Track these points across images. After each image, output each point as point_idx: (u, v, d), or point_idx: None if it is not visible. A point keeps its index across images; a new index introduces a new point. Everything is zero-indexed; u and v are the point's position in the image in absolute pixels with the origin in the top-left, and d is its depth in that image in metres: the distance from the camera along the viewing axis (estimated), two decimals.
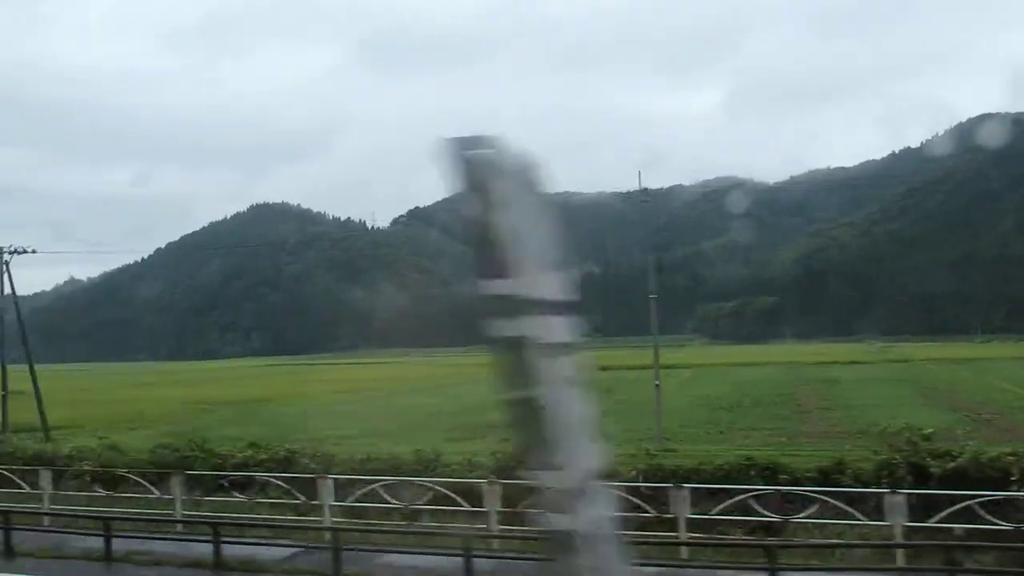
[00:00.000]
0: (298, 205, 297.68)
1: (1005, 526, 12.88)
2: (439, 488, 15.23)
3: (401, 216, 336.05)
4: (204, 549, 13.94)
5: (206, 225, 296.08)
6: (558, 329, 1.99)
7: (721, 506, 14.04)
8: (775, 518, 13.79)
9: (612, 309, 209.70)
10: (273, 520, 15.34)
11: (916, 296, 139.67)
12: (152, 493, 16.98)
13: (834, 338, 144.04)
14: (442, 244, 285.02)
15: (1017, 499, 13.65)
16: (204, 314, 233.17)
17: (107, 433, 31.46)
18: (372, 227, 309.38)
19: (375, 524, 14.62)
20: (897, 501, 13.49)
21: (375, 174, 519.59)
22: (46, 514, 16.76)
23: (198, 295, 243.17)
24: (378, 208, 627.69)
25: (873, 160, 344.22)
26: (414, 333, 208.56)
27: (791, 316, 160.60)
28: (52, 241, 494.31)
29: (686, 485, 14.24)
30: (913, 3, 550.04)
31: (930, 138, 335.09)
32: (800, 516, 13.88)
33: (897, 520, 13.31)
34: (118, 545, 14.05)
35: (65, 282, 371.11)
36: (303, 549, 13.70)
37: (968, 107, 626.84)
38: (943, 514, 13.33)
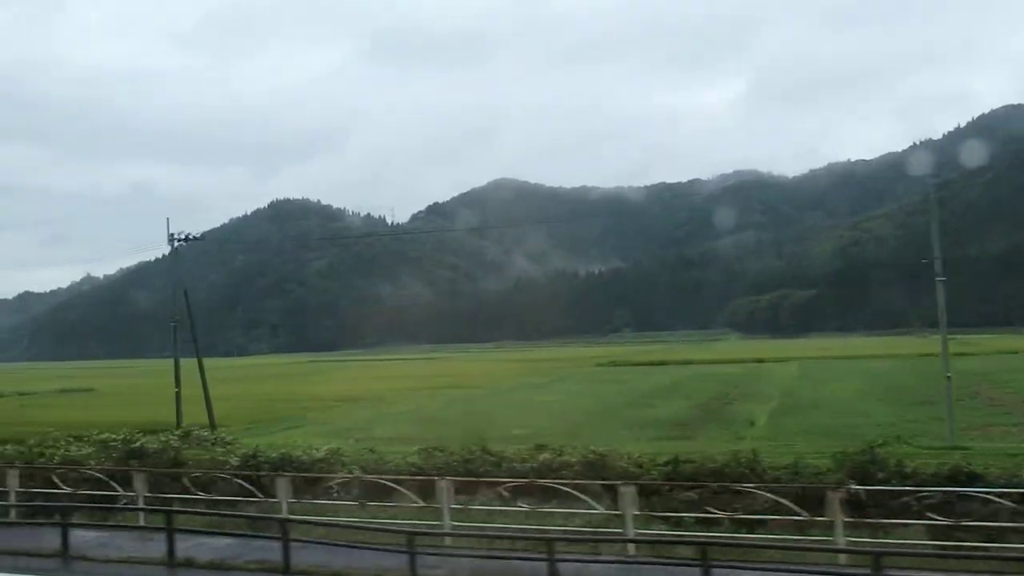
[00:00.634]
0: (318, 201, 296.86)
1: None
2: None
3: (420, 212, 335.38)
4: None
5: (226, 222, 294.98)
6: None
7: None
8: None
9: (639, 304, 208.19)
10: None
11: (963, 288, 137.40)
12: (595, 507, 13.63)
13: (880, 331, 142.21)
14: (461, 239, 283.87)
15: None
16: (229, 311, 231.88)
17: (271, 432, 29.87)
18: (392, 223, 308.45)
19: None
20: None
21: (390, 170, 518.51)
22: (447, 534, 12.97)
23: (222, 292, 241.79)
24: (393, 204, 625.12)
25: (893, 152, 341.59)
26: (443, 329, 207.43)
27: (831, 309, 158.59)
28: (66, 239, 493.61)
29: None
30: None
31: (952, 130, 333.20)
32: None
33: None
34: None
35: (82, 279, 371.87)
36: None
37: (987, 98, 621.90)
38: None
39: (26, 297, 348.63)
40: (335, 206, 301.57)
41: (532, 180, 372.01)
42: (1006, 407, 31.74)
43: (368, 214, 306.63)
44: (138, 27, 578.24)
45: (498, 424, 29.23)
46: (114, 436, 18.74)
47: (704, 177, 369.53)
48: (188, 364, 34.55)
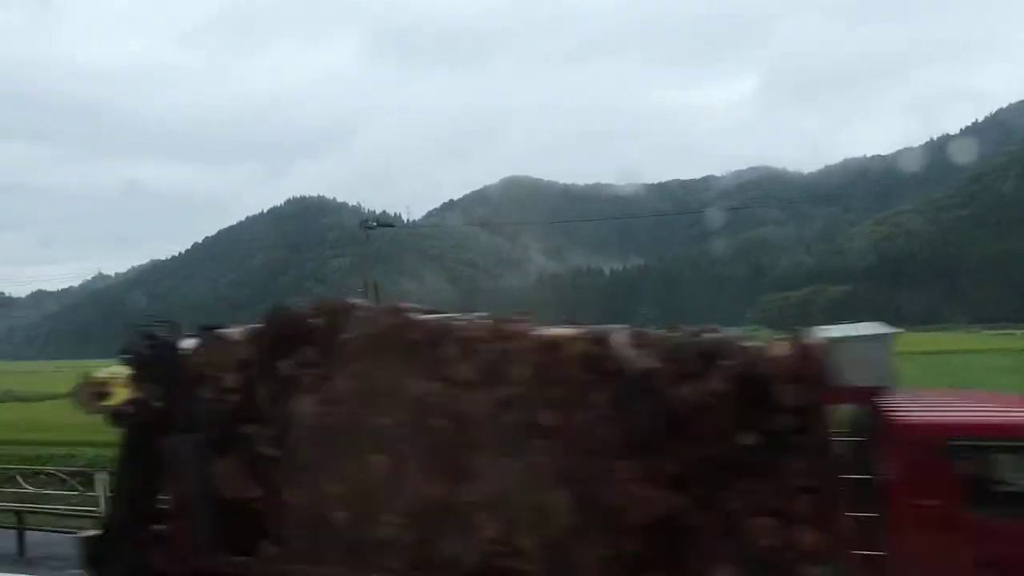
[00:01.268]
0: (334, 199, 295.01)
1: None
2: None
3: (435, 209, 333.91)
4: None
5: (243, 220, 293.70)
6: None
7: None
8: None
9: (665, 300, 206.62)
10: None
11: (1004, 283, 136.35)
12: None
13: (921, 327, 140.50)
14: (477, 236, 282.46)
15: None
16: (249, 309, 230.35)
17: None
18: (408, 219, 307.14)
19: None
20: None
21: (399, 168, 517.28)
22: None
23: (243, 290, 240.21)
24: (403, 201, 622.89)
25: (910, 148, 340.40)
26: None
27: (867, 305, 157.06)
28: (74, 238, 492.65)
29: None
30: None
31: (969, 124, 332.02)
32: None
33: None
34: None
35: (93, 277, 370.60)
36: None
37: (1003, 93, 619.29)
38: None
39: (39, 295, 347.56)
40: (351, 203, 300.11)
41: (544, 178, 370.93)
42: None
43: (384, 211, 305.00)
44: (141, 26, 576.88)
45: None
46: None
47: (718, 173, 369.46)
48: None
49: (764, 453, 6.97)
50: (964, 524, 6.89)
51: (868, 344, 7.44)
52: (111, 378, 9.11)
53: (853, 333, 7.60)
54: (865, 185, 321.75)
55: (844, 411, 8.04)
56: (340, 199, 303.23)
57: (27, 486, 19.38)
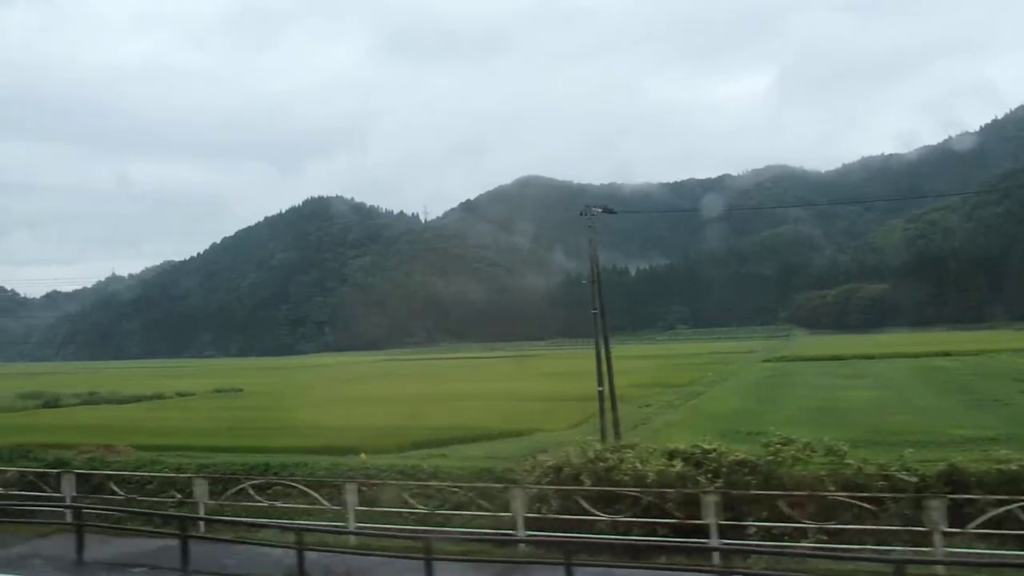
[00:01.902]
0: (352, 199, 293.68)
1: None
2: None
3: (452, 208, 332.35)
4: None
5: (261, 220, 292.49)
6: None
7: None
8: None
9: (694, 300, 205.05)
10: None
11: None
12: None
13: (962, 325, 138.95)
14: (496, 236, 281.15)
15: None
16: (272, 309, 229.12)
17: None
18: (425, 220, 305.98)
19: None
20: None
21: (414, 167, 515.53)
22: None
23: (265, 290, 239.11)
24: (417, 200, 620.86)
25: (929, 146, 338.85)
26: (493, 327, 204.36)
27: (905, 304, 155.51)
28: (87, 238, 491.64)
29: None
30: None
31: (989, 122, 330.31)
32: None
33: None
34: None
35: (107, 278, 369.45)
36: None
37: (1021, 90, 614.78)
38: None
39: (53, 296, 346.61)
40: (368, 204, 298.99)
41: (559, 177, 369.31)
42: None
43: (401, 211, 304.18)
44: (152, 26, 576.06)
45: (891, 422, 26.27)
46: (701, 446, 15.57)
47: (734, 172, 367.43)
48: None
49: None
50: None
51: None
52: None
53: None
54: (884, 183, 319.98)
55: None
56: (357, 199, 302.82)
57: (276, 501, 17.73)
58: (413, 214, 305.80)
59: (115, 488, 19.09)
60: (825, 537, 13.13)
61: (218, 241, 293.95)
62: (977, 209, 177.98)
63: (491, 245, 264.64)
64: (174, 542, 13.97)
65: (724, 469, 14.60)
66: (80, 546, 14.68)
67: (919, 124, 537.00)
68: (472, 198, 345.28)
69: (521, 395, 43.01)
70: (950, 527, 12.41)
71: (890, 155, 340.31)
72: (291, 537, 13.64)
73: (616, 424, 23.84)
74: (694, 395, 39.77)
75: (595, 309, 25.51)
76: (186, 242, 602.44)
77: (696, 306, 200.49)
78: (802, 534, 13.37)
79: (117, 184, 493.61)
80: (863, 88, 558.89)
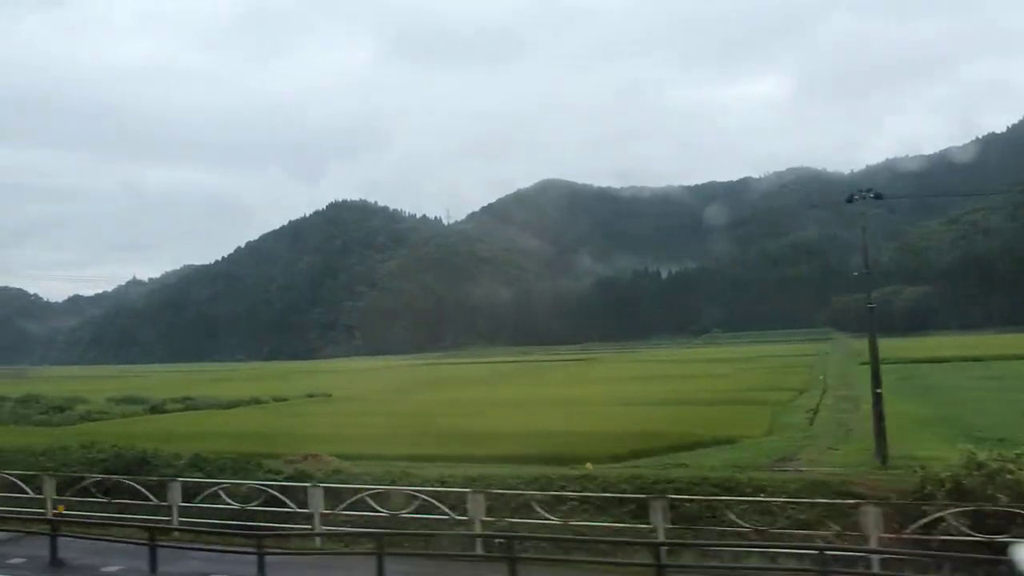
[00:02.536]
0: (375, 202, 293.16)
1: None
2: None
3: (474, 212, 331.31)
4: None
5: (285, 224, 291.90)
6: None
7: None
8: None
9: (728, 303, 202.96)
10: None
11: None
12: None
13: (1013, 328, 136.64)
14: (521, 239, 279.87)
15: None
16: (302, 313, 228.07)
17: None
18: (448, 223, 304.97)
19: None
20: None
21: (432, 170, 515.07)
22: None
23: (292, 293, 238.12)
24: (434, 203, 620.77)
25: (955, 147, 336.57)
26: (526, 330, 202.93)
27: (951, 306, 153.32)
28: (102, 242, 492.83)
29: None
30: None
31: (1015, 123, 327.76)
32: None
33: None
34: None
35: (127, 282, 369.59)
36: None
37: None
38: None
39: (76, 300, 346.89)
40: (391, 207, 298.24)
41: (579, 180, 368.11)
42: None
43: (424, 215, 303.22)
44: (164, 30, 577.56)
45: None
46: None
47: (755, 175, 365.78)
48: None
49: None
50: None
51: None
52: None
53: None
54: (909, 185, 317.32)
55: None
56: (380, 203, 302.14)
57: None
58: (436, 217, 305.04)
59: (374, 504, 17.40)
60: None
61: (242, 245, 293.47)
62: (1020, 209, 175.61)
63: (517, 248, 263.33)
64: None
65: None
66: None
67: (944, 126, 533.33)
68: (493, 201, 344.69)
69: (662, 399, 41.42)
70: None
71: (914, 156, 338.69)
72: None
73: (882, 435, 21.76)
74: (848, 400, 38.18)
75: (871, 304, 23.99)
76: (204, 246, 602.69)
77: (729, 309, 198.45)
78: None
79: (133, 188, 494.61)
80: (885, 89, 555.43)
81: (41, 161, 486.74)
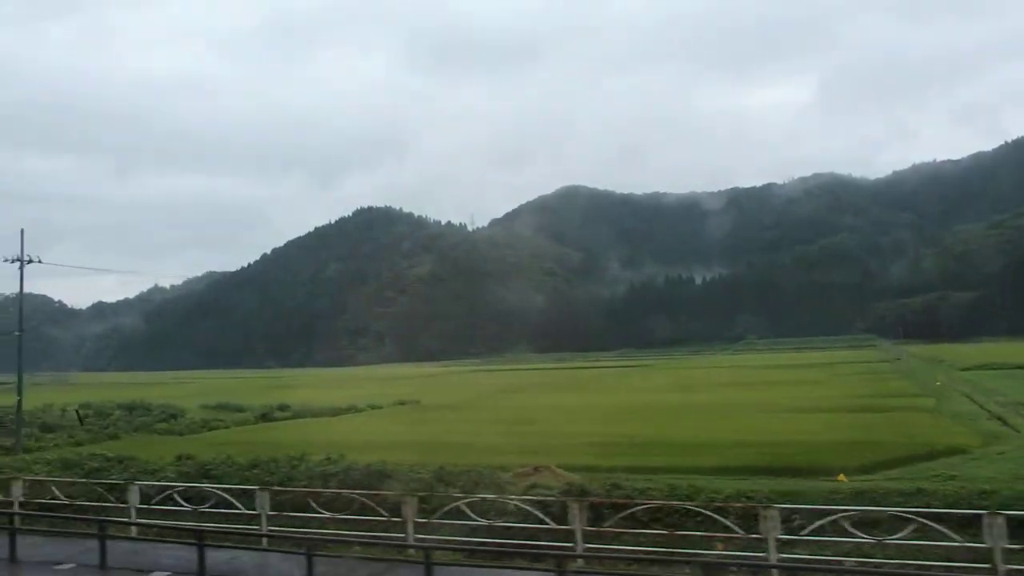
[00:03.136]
0: (400, 209, 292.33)
1: None
2: None
3: (497, 218, 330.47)
4: None
5: (311, 230, 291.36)
6: None
7: None
8: None
9: (764, 309, 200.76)
10: None
11: None
12: None
13: None
14: (548, 245, 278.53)
15: None
16: (331, 320, 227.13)
17: None
18: (472, 228, 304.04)
19: None
20: None
21: (454, 177, 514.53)
22: None
23: (321, 301, 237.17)
24: (457, 209, 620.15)
25: (983, 152, 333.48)
26: (560, 337, 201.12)
27: (999, 312, 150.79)
28: (123, 249, 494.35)
29: None
30: None
31: None
32: None
33: None
34: None
35: (150, 289, 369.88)
36: None
37: None
38: None
39: (100, 307, 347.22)
40: (416, 214, 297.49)
41: (601, 187, 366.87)
42: None
43: (448, 221, 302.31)
44: (187, 40, 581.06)
45: None
46: None
47: (779, 181, 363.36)
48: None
49: None
50: None
51: None
52: None
53: None
54: (938, 190, 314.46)
55: None
56: (405, 209, 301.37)
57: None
58: (460, 223, 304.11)
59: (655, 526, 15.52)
60: None
61: (268, 252, 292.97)
62: None
63: (545, 255, 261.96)
64: None
65: None
66: None
67: (970, 130, 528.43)
68: (516, 207, 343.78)
69: (806, 407, 39.72)
70: None
71: (942, 161, 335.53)
72: None
73: None
74: (1010, 406, 36.35)
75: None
76: (226, 253, 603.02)
77: (764, 316, 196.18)
78: None
79: (155, 196, 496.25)
80: (910, 94, 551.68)
81: (64, 168, 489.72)
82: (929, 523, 14.97)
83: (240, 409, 48.28)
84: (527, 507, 16.55)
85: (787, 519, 15.08)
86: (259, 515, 17.17)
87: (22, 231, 34.40)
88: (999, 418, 33.24)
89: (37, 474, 22.03)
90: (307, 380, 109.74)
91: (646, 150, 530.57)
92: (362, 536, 15.71)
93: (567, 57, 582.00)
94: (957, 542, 14.25)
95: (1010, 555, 13.26)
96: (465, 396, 64.57)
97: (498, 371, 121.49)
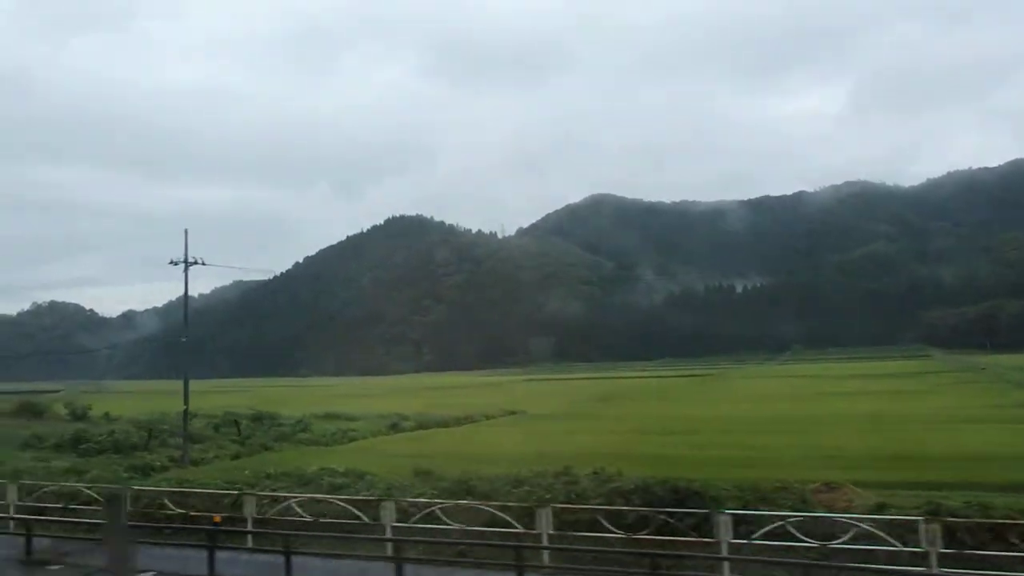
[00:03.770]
0: (431, 218, 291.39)
1: None
2: None
3: (524, 228, 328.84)
4: None
5: (343, 239, 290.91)
6: None
7: None
8: None
9: (809, 318, 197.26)
10: None
11: None
12: None
13: None
14: (581, 254, 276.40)
15: None
16: (367, 328, 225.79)
17: None
18: (503, 236, 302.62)
19: None
20: None
21: (481, 185, 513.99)
22: None
23: (357, 309, 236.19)
24: (484, 217, 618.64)
25: (1020, 159, 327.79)
26: (601, 346, 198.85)
27: None
28: (148, 259, 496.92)
29: None
30: None
31: None
32: None
33: None
34: None
35: (178, 298, 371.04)
36: None
37: None
38: None
39: (129, 316, 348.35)
40: (447, 222, 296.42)
41: (629, 195, 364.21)
42: None
43: (479, 230, 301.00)
44: (216, 51, 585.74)
45: None
46: None
47: (810, 189, 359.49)
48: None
49: None
50: None
51: None
52: None
53: None
54: (975, 197, 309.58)
55: None
56: (436, 218, 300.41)
57: None
58: (491, 232, 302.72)
59: None
60: None
61: (300, 260, 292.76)
62: None
63: (578, 263, 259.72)
64: None
65: None
66: None
67: (1006, 137, 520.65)
68: (544, 216, 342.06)
69: (941, 418, 37.63)
70: None
71: (978, 168, 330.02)
72: None
73: None
74: None
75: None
76: (254, 262, 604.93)
77: (808, 325, 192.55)
78: None
79: (182, 205, 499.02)
80: (942, 101, 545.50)
81: (93, 179, 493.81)
82: None
83: (352, 418, 46.43)
84: (869, 527, 14.78)
85: None
86: (539, 534, 15.77)
87: (186, 231, 33.34)
88: None
89: (262, 490, 20.34)
90: (361, 389, 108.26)
91: (673, 158, 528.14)
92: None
93: (596, 65, 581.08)
94: None
95: None
96: (559, 406, 62.46)
97: (555, 380, 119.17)
